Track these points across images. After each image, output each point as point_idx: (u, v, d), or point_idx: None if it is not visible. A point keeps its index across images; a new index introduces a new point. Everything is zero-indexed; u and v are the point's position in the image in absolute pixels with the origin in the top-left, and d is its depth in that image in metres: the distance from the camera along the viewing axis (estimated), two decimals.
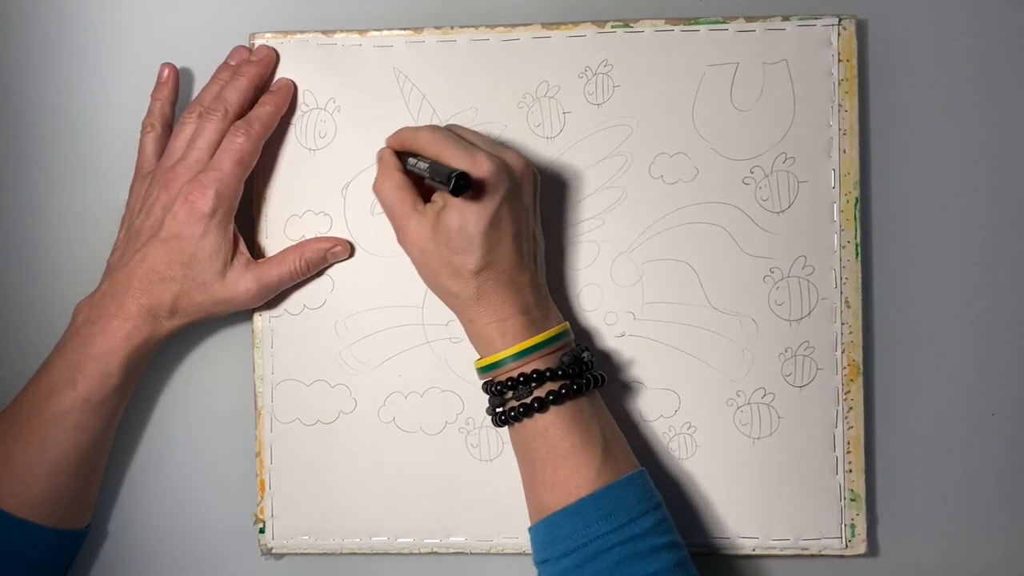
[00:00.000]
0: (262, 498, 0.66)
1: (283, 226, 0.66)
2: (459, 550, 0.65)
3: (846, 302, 0.64)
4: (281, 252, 0.65)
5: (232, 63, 0.65)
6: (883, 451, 0.66)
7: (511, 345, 0.58)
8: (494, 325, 0.58)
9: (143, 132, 0.65)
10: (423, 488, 0.65)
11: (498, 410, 0.59)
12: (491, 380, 0.59)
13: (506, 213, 0.58)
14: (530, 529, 0.58)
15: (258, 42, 0.66)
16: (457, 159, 0.57)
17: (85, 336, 0.61)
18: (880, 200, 0.66)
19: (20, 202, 0.68)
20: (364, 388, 0.65)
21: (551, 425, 0.57)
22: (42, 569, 0.63)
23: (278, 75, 0.66)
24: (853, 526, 0.64)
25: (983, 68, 0.66)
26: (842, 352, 0.64)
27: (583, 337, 0.64)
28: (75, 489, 0.63)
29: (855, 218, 0.64)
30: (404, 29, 0.65)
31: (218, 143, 0.63)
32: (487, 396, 0.59)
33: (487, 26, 0.65)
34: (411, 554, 0.65)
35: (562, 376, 0.58)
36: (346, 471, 0.65)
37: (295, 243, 0.65)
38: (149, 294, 0.61)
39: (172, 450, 0.68)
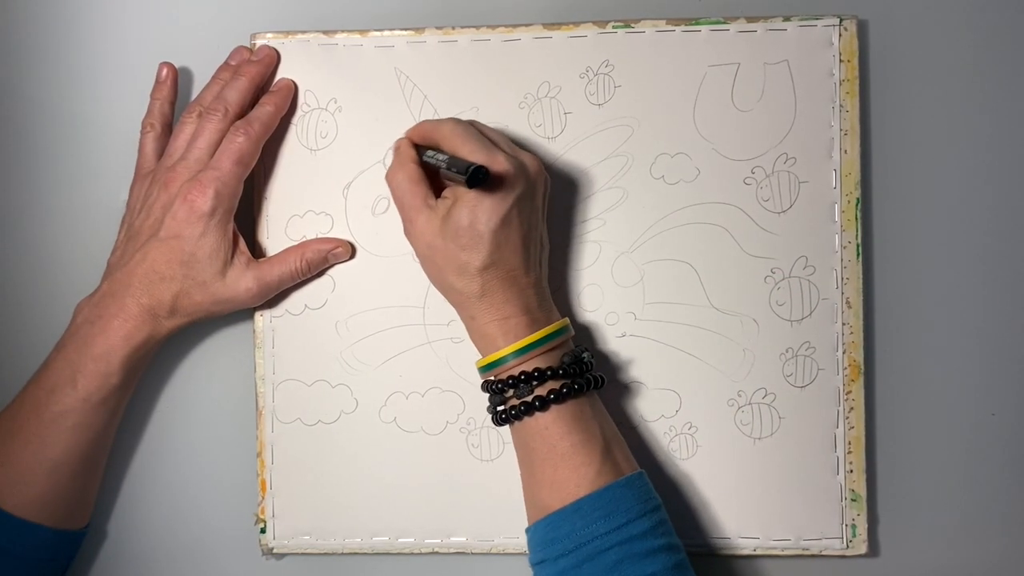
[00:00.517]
0: (263, 498, 0.66)
1: (284, 226, 0.66)
2: (460, 550, 0.65)
3: (847, 302, 0.64)
4: (282, 252, 0.65)
5: (233, 63, 0.65)
6: (884, 451, 0.66)
7: (513, 343, 0.58)
8: (496, 323, 0.58)
9: (143, 132, 0.65)
10: (424, 488, 0.65)
11: (498, 408, 0.59)
12: (492, 378, 0.59)
13: (517, 214, 0.58)
14: (527, 529, 0.58)
15: (259, 42, 0.66)
16: (476, 155, 0.57)
17: (85, 336, 0.61)
18: (881, 200, 0.66)
19: (20, 202, 0.68)
20: (365, 388, 0.65)
21: (551, 424, 0.57)
22: (41, 569, 0.62)
23: (279, 75, 0.66)
24: (854, 526, 0.64)
25: (984, 68, 0.66)
26: (843, 352, 0.64)
27: (584, 337, 0.64)
28: (75, 489, 0.63)
29: (856, 218, 0.64)
30: (405, 29, 0.65)
31: (218, 143, 0.63)
32: (487, 395, 0.59)
33: (488, 26, 0.65)
34: (412, 554, 0.65)
35: (563, 375, 0.58)
36: (347, 471, 0.65)
37: (296, 243, 0.65)
38: (149, 293, 0.61)
39: (172, 450, 0.68)
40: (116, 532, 0.68)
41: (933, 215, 0.66)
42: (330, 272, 0.66)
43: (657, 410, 0.65)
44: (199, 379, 0.68)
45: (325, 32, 0.65)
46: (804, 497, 0.64)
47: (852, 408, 0.64)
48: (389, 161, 0.64)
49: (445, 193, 0.60)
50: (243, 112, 0.64)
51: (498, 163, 0.57)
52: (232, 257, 0.63)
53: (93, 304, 0.62)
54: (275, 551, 0.66)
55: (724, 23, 0.64)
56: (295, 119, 0.66)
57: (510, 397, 0.58)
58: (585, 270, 0.65)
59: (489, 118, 0.65)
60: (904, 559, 0.66)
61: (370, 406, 0.65)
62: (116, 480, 0.68)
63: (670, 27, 0.64)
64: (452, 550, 0.65)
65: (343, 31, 0.65)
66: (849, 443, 0.64)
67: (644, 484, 0.58)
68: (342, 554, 0.66)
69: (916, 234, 0.66)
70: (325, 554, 0.66)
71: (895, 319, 0.66)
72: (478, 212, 0.57)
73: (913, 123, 0.66)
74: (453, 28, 0.65)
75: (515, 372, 0.58)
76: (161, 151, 0.65)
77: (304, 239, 0.65)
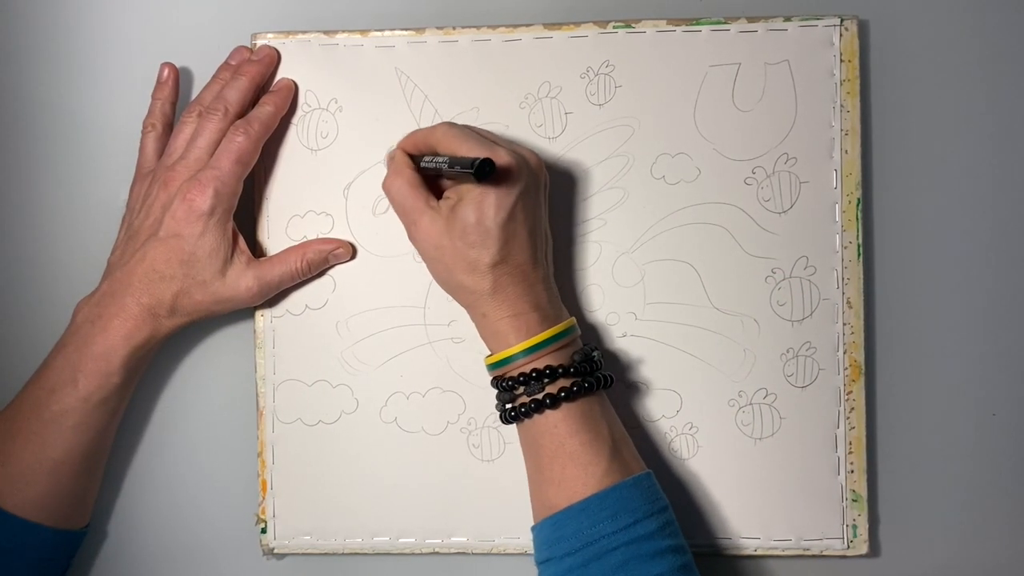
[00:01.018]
0: (264, 498, 0.66)
1: (285, 226, 0.66)
2: (461, 550, 0.65)
3: (848, 302, 0.64)
4: (283, 252, 0.65)
5: (233, 63, 0.65)
6: (885, 452, 0.66)
7: (525, 340, 0.58)
8: (508, 320, 0.58)
9: (144, 132, 0.65)
10: (425, 488, 0.65)
11: (507, 406, 0.58)
12: (501, 376, 0.59)
13: (522, 208, 0.58)
14: (533, 527, 0.58)
15: (260, 42, 0.66)
16: (476, 152, 0.57)
17: (86, 335, 0.61)
18: (882, 200, 0.66)
19: (20, 202, 0.68)
20: (366, 388, 0.65)
21: (561, 422, 0.57)
22: (41, 569, 0.62)
23: (280, 75, 0.66)
24: (855, 527, 0.64)
25: (985, 68, 0.66)
26: (844, 352, 0.64)
27: (585, 337, 0.64)
28: (75, 489, 0.63)
29: (857, 219, 0.64)
30: (406, 29, 0.65)
31: (218, 142, 0.63)
32: (496, 392, 0.59)
33: (489, 26, 0.65)
34: (413, 554, 0.65)
35: (574, 373, 0.58)
36: (348, 471, 0.65)
37: (297, 243, 0.65)
38: (149, 293, 0.61)
39: (173, 450, 0.68)
40: (116, 532, 0.68)
41: (934, 215, 0.66)
42: (331, 272, 0.66)
43: (658, 410, 0.65)
44: (199, 379, 0.68)
45: (326, 32, 0.65)
46: (805, 497, 0.64)
47: (853, 408, 0.64)
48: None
49: (447, 194, 0.60)
50: (243, 112, 0.64)
51: (500, 156, 0.57)
52: (232, 256, 0.63)
53: (93, 304, 0.62)
54: (276, 551, 0.66)
55: (725, 23, 0.64)
56: (296, 119, 0.66)
57: (520, 394, 0.58)
58: (586, 270, 0.65)
59: (490, 118, 0.65)
60: (905, 559, 0.66)
61: (371, 406, 0.65)
62: (116, 480, 0.68)
63: (671, 27, 0.64)
64: (453, 550, 0.65)
65: (344, 31, 0.65)
66: (850, 443, 0.64)
67: (652, 484, 0.58)
68: (343, 554, 0.66)
69: (917, 234, 0.66)
70: (326, 554, 0.66)
71: (896, 319, 0.66)
72: (484, 208, 0.57)
73: (914, 123, 0.66)
74: (454, 28, 0.65)
75: (526, 369, 0.58)
76: (162, 151, 0.65)
77: (305, 239, 0.65)
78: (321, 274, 0.65)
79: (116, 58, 0.68)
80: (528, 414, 0.58)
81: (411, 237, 0.60)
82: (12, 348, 0.68)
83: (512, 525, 0.65)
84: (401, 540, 0.65)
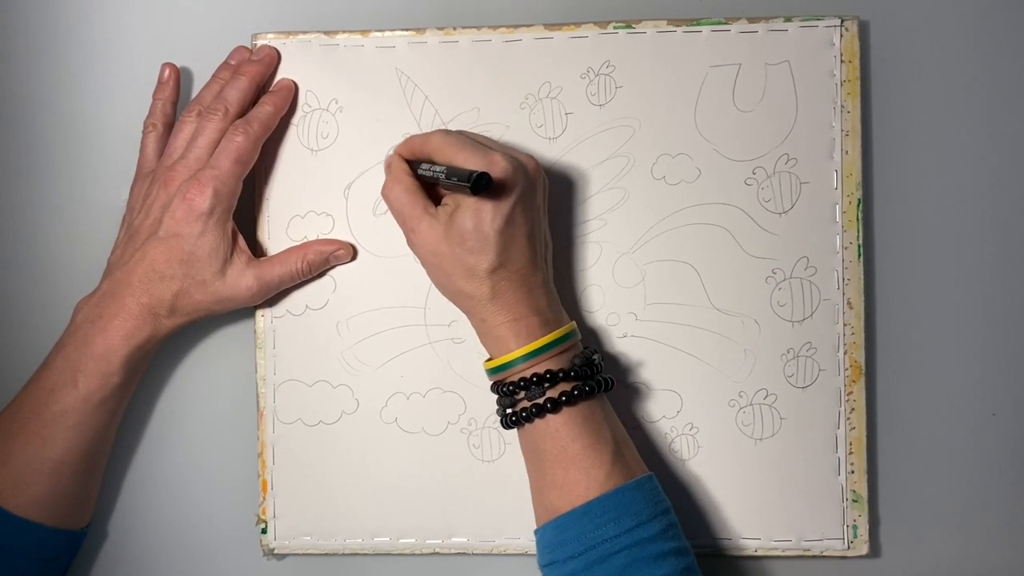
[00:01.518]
0: (264, 498, 0.66)
1: (285, 226, 0.66)
2: (461, 551, 0.65)
3: (848, 303, 0.64)
4: (283, 252, 0.65)
5: (232, 63, 0.65)
6: (885, 452, 0.66)
7: (525, 344, 0.58)
8: (508, 325, 0.58)
9: (144, 132, 0.65)
10: (425, 489, 0.65)
11: (508, 411, 0.58)
12: (502, 381, 0.59)
13: (520, 212, 0.58)
14: (536, 531, 0.58)
15: (260, 42, 0.66)
16: (473, 160, 0.57)
17: (85, 335, 0.61)
18: (882, 201, 0.66)
19: (20, 202, 0.68)
20: (366, 389, 0.65)
21: (562, 426, 0.57)
22: (42, 568, 0.62)
23: (280, 75, 0.66)
24: (855, 527, 0.64)
25: (985, 69, 0.66)
26: (844, 353, 0.64)
27: (585, 338, 0.64)
28: (76, 488, 0.63)
29: (857, 219, 0.64)
30: (406, 30, 0.65)
31: (218, 142, 0.63)
32: (496, 397, 0.59)
33: (489, 27, 0.65)
34: (413, 555, 0.65)
35: (575, 377, 0.58)
36: (348, 472, 0.65)
37: (298, 244, 0.65)
38: (149, 293, 0.61)
39: (173, 450, 0.68)
40: (116, 532, 0.68)
41: (934, 215, 0.66)
42: (331, 272, 0.66)
43: (658, 411, 0.65)
44: (199, 379, 0.68)
45: (326, 32, 0.65)
46: (805, 498, 0.64)
47: (853, 409, 0.64)
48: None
49: (445, 200, 0.60)
50: (243, 112, 0.64)
51: (497, 164, 0.56)
52: (232, 256, 0.63)
53: (93, 303, 0.62)
54: (276, 551, 0.66)
55: (725, 24, 0.64)
56: (296, 119, 0.66)
57: (521, 399, 0.58)
58: (586, 271, 0.65)
59: (490, 119, 0.65)
60: (905, 560, 0.66)
61: (371, 406, 0.65)
62: (117, 480, 0.68)
63: (671, 28, 0.64)
64: (453, 551, 0.65)
65: (344, 31, 0.65)
66: (850, 444, 0.64)
67: (654, 487, 0.58)
68: (343, 555, 0.66)
69: (917, 234, 0.66)
70: (326, 554, 0.66)
71: (896, 320, 0.66)
72: (482, 214, 0.57)
73: (914, 123, 0.66)
74: (454, 28, 0.65)
75: (527, 374, 0.58)
76: (163, 151, 0.65)
77: (305, 239, 0.65)
78: (321, 274, 0.65)
79: (116, 58, 0.68)
80: (530, 419, 0.58)
81: (410, 244, 0.60)
82: (12, 348, 0.68)
83: (512, 525, 0.65)
84: (401, 540, 0.65)
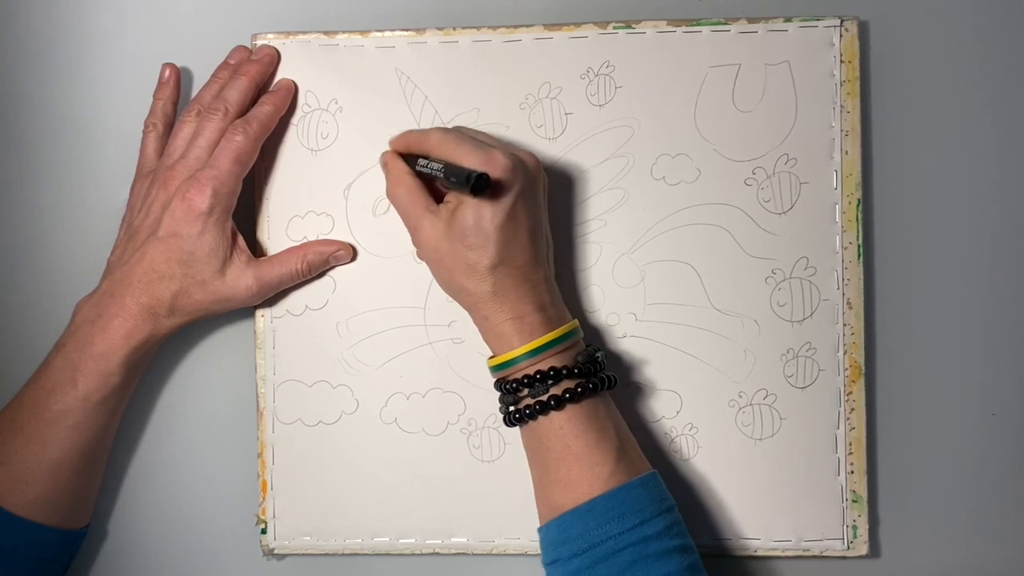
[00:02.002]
0: (264, 499, 0.66)
1: (285, 227, 0.66)
2: (461, 551, 0.65)
3: (848, 303, 0.64)
4: (283, 252, 0.65)
5: (232, 62, 0.65)
6: (885, 452, 0.66)
7: (528, 342, 0.58)
8: (511, 322, 0.58)
9: (145, 132, 0.65)
10: (425, 489, 0.65)
11: (511, 408, 0.58)
12: (504, 378, 0.59)
13: (521, 209, 0.58)
14: (540, 529, 0.58)
15: (260, 42, 0.66)
16: (472, 158, 0.57)
17: (85, 335, 0.61)
18: (882, 201, 0.66)
19: (20, 202, 0.68)
20: (366, 389, 0.65)
21: (566, 424, 0.57)
22: (42, 568, 0.62)
23: (280, 76, 0.66)
24: (855, 527, 0.64)
25: (985, 69, 0.66)
26: (844, 353, 0.64)
27: (586, 338, 0.64)
28: (75, 488, 0.63)
29: (857, 219, 0.64)
30: (406, 30, 0.65)
31: (218, 142, 0.63)
32: (499, 395, 0.59)
33: (489, 27, 0.65)
34: (413, 555, 0.65)
35: (578, 374, 0.58)
36: (348, 472, 0.65)
37: (297, 244, 0.65)
38: (149, 292, 0.61)
39: (173, 450, 0.68)
40: (116, 532, 0.68)
41: (934, 216, 0.66)
42: (331, 273, 0.66)
43: (658, 411, 0.65)
44: (199, 379, 0.68)
45: (326, 32, 0.65)
46: (805, 498, 0.64)
47: (853, 409, 0.64)
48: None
49: (448, 197, 0.60)
50: (243, 112, 0.64)
51: (496, 162, 0.56)
52: (231, 255, 0.63)
53: (93, 303, 0.62)
54: (276, 552, 0.66)
55: (725, 24, 0.64)
56: (296, 119, 0.66)
57: (524, 396, 0.58)
58: (586, 271, 0.65)
59: (490, 119, 0.65)
60: (905, 560, 0.66)
61: (371, 407, 0.65)
62: (116, 480, 0.68)
63: (671, 28, 0.64)
64: (453, 551, 0.65)
65: (344, 32, 0.65)
66: (850, 444, 0.64)
67: (658, 484, 0.58)
68: (343, 555, 0.66)
69: (917, 235, 0.66)
70: (326, 555, 0.66)
71: (896, 320, 0.66)
72: (483, 211, 0.57)
73: (914, 124, 0.66)
74: (454, 29, 0.65)
75: (530, 371, 0.58)
76: (163, 151, 0.65)
77: (305, 239, 0.65)
78: (321, 275, 0.65)
79: (116, 58, 0.68)
80: (533, 416, 0.58)
81: (415, 242, 0.61)
82: (12, 348, 0.68)
83: (512, 525, 0.65)
84: (401, 541, 0.65)
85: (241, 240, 0.63)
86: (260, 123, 0.63)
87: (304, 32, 0.66)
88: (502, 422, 0.59)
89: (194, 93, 0.66)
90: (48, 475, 0.61)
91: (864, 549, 0.64)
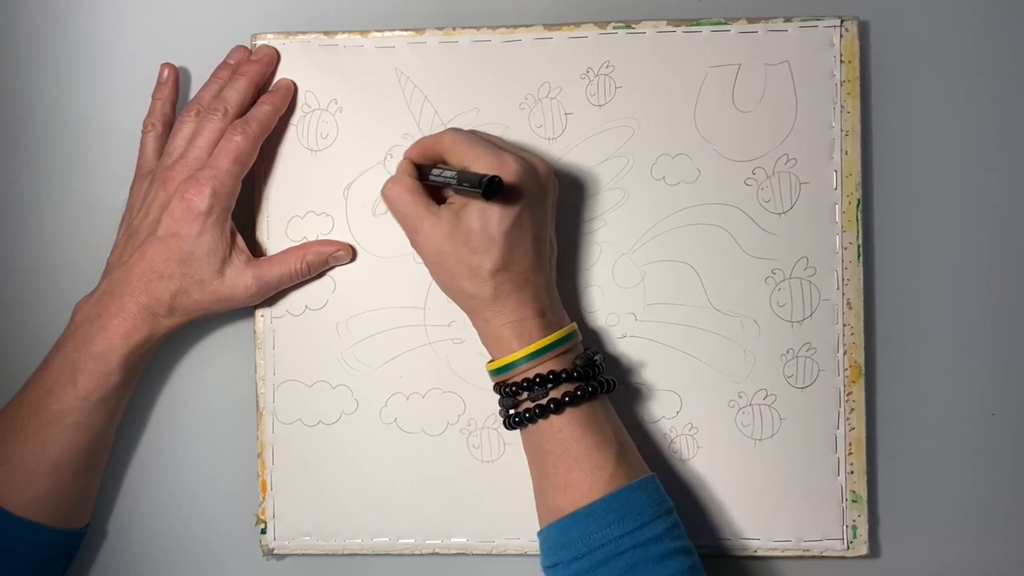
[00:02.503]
0: (264, 499, 0.66)
1: (285, 227, 0.66)
2: (461, 551, 0.65)
3: (848, 303, 0.64)
4: (283, 252, 0.65)
5: (232, 62, 0.65)
6: (885, 452, 0.66)
7: (527, 345, 0.58)
8: (510, 326, 0.58)
9: (144, 132, 0.65)
10: (425, 489, 0.65)
11: (511, 412, 0.58)
12: (504, 382, 0.59)
13: (528, 215, 0.58)
14: (539, 532, 0.58)
15: (259, 42, 0.66)
16: (484, 160, 0.57)
17: (85, 334, 0.61)
18: (882, 201, 0.66)
19: (20, 202, 0.68)
20: (366, 389, 0.65)
21: (566, 427, 0.57)
22: (42, 568, 0.63)
23: (279, 76, 0.65)
24: (855, 527, 0.64)
25: (985, 69, 0.66)
26: (844, 353, 0.64)
27: (585, 338, 0.64)
28: (75, 488, 0.63)
29: (857, 219, 0.64)
30: (406, 30, 0.65)
31: (217, 142, 0.63)
32: (498, 398, 0.59)
33: (489, 27, 0.65)
34: (412, 555, 0.65)
35: (577, 378, 0.58)
36: (348, 472, 0.65)
37: (297, 244, 0.65)
38: (148, 292, 0.61)
39: (172, 450, 0.68)
40: (116, 532, 0.68)
41: (934, 216, 0.66)
42: (331, 273, 0.66)
43: (658, 411, 0.65)
44: (199, 379, 0.68)
45: (326, 33, 0.65)
46: (805, 498, 0.64)
47: (853, 409, 0.64)
48: (391, 167, 0.64)
49: (450, 198, 0.60)
50: (242, 112, 0.64)
51: (508, 166, 0.56)
52: (230, 255, 0.63)
53: (92, 303, 0.62)
54: (275, 552, 0.66)
55: (725, 24, 0.64)
56: (296, 120, 0.66)
57: (523, 400, 0.58)
58: (586, 271, 0.65)
59: (490, 119, 0.65)
60: (905, 560, 0.66)
61: (371, 407, 0.65)
62: (116, 480, 0.68)
63: (671, 28, 0.64)
64: (453, 551, 0.65)
65: (344, 32, 0.65)
66: (850, 444, 0.64)
67: (656, 487, 0.58)
68: (343, 555, 0.66)
69: (917, 235, 0.66)
70: (326, 555, 0.66)
71: (896, 320, 0.66)
72: (489, 215, 0.57)
73: (914, 124, 0.66)
74: (454, 29, 0.65)
75: (529, 375, 0.58)
76: (162, 151, 0.65)
77: (305, 240, 0.65)
78: (321, 275, 0.65)
79: (116, 58, 0.68)
80: (532, 419, 0.58)
81: (413, 243, 0.60)
82: (12, 348, 0.68)
83: (512, 526, 0.65)
84: (401, 541, 0.65)
85: (240, 240, 0.63)
86: (259, 123, 0.63)
87: (304, 32, 0.65)
88: (502, 425, 0.59)
89: (193, 93, 0.66)
90: (48, 475, 0.61)
91: (864, 549, 0.64)
